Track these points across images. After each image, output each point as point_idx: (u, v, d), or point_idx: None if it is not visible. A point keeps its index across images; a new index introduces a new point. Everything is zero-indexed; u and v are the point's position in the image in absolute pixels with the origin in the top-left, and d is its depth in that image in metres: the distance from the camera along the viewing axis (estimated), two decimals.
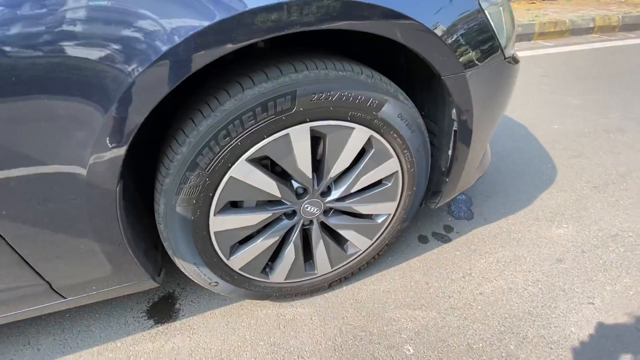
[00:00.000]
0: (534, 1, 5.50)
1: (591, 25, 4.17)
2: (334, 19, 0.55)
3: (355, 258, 0.96)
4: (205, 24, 0.48)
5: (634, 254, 1.12)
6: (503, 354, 0.85)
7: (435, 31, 0.64)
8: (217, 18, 0.49)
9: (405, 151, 0.80)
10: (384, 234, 0.95)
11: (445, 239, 1.19)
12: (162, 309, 0.98)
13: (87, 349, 0.88)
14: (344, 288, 1.02)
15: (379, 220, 0.91)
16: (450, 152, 0.87)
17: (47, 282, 0.64)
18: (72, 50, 0.45)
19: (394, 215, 0.92)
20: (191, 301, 1.00)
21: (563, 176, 1.49)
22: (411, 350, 0.86)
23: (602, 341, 0.87)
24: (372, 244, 0.95)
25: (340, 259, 0.94)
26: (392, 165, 0.81)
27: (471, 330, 0.90)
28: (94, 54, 0.45)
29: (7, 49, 0.43)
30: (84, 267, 0.65)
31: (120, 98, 0.48)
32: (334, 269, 0.95)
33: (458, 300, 0.98)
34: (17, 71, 0.44)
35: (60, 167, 0.51)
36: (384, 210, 0.89)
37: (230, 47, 0.51)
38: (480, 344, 0.87)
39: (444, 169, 0.92)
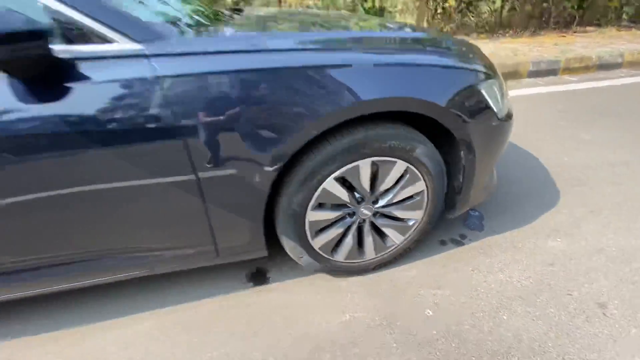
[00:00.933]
0: (564, 34, 5.74)
1: (619, 60, 4.37)
2: (394, 107, 1.01)
3: (392, 250, 1.37)
4: (344, 104, 0.95)
5: (614, 264, 1.44)
6: (497, 321, 1.21)
7: (443, 105, 1.07)
8: (351, 102, 0.96)
9: (429, 176, 1.22)
10: (413, 233, 1.36)
11: (460, 244, 1.57)
12: (258, 277, 1.44)
13: (210, 297, 1.35)
14: (384, 271, 1.42)
15: (410, 223, 1.33)
16: (461, 179, 1.28)
17: (216, 243, 1.12)
18: (266, 113, 0.93)
19: (420, 220, 1.33)
20: (278, 273, 1.44)
21: (564, 201, 1.82)
22: (430, 313, 1.24)
23: (574, 319, 1.21)
24: (405, 240, 1.36)
25: (381, 249, 1.35)
26: (420, 185, 1.23)
27: (475, 305, 1.27)
28: (284, 112, 0.93)
29: (230, 104, 0.90)
30: (237, 236, 1.12)
31: (290, 137, 0.95)
32: (377, 256, 1.36)
33: (467, 285, 1.35)
34: (239, 114, 0.91)
35: (249, 171, 0.98)
36: (414, 216, 1.31)
37: (349, 116, 0.98)
38: (481, 314, 1.24)
39: (457, 190, 1.32)
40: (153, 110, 0.85)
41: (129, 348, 1.17)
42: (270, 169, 0.98)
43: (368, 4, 4.99)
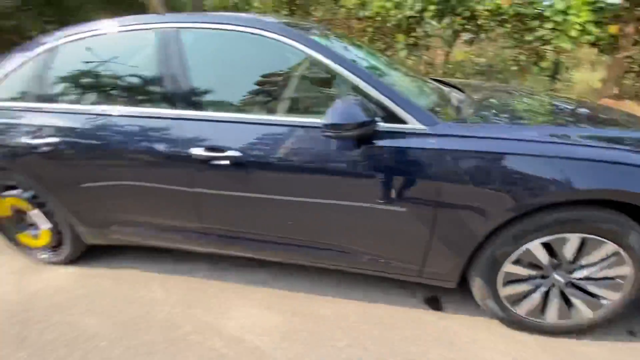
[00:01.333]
0: None
1: None
2: (613, 196, 1.19)
3: (576, 321, 1.45)
4: (570, 188, 1.20)
5: None
6: None
7: None
8: (576, 188, 1.20)
9: (637, 263, 1.29)
10: (603, 313, 1.41)
11: None
12: (432, 303, 1.72)
13: (390, 304, 1.70)
14: (562, 339, 1.49)
15: (603, 302, 1.39)
16: None
17: (424, 265, 1.47)
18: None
19: (615, 302, 1.38)
20: (451, 305, 1.69)
21: None
22: None
23: None
24: (593, 316, 1.42)
25: (564, 316, 1.45)
26: (625, 269, 1.31)
27: None
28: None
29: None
30: (442, 265, 1.45)
31: (520, 204, 1.23)
32: (558, 322, 1.46)
33: None
34: (488, 181, 1.25)
35: (478, 220, 1.28)
36: (610, 296, 1.37)
37: (569, 198, 1.22)
38: None
39: None
40: (426, 167, 1.30)
41: (340, 320, 1.62)
42: (494, 222, 1.29)
43: (545, 63, 4.83)
